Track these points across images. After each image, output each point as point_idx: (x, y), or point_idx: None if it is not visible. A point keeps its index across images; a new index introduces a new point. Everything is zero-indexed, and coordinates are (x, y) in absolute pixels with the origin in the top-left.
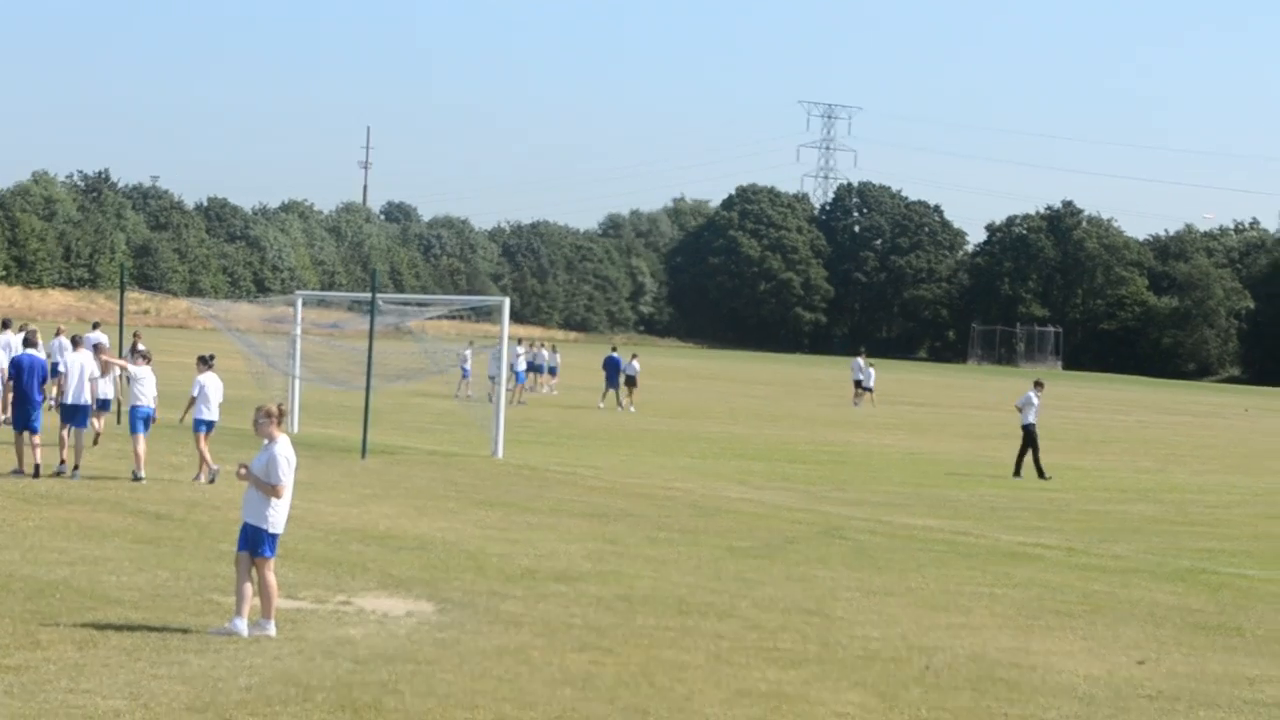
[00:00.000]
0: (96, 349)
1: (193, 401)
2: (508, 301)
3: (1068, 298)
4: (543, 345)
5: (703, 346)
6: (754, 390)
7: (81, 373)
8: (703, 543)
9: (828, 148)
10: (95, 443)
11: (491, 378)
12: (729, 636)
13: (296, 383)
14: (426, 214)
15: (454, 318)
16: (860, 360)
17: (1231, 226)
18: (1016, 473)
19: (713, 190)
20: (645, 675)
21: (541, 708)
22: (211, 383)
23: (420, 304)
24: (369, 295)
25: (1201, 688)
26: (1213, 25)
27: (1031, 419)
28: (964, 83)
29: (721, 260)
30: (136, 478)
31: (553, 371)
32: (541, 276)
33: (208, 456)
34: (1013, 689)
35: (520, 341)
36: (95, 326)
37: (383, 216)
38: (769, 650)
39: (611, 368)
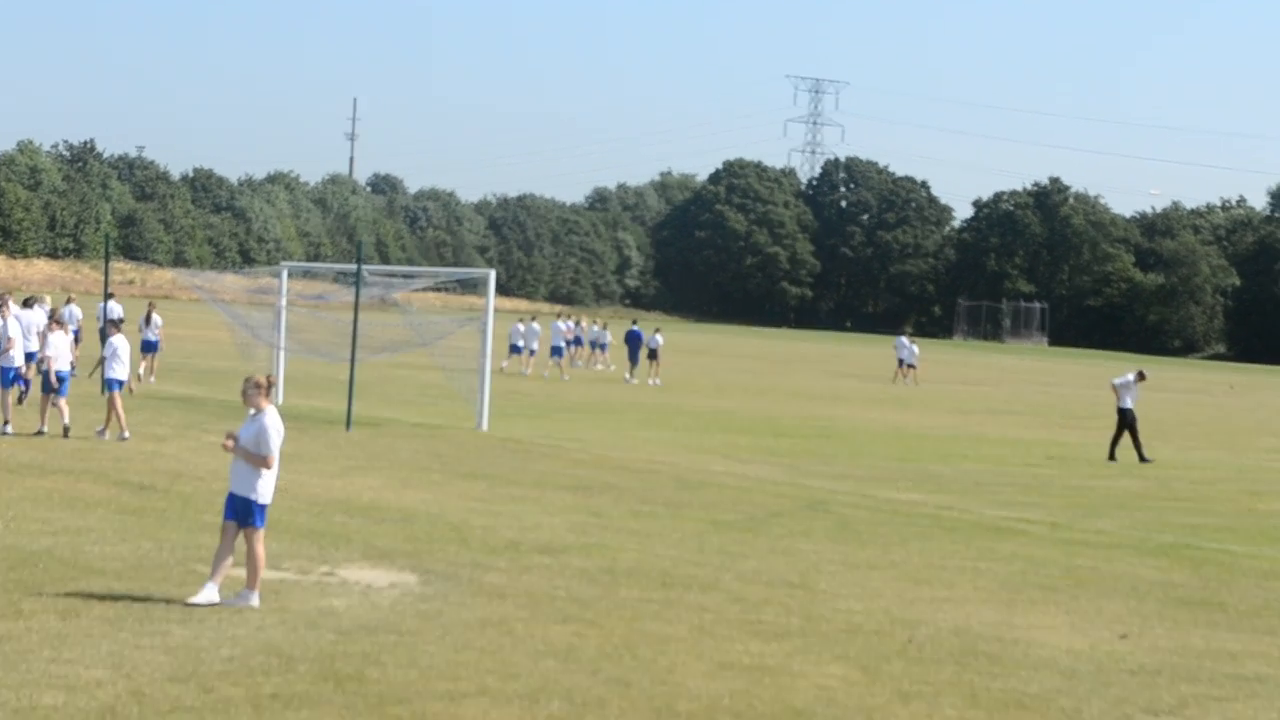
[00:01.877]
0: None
1: (102, 361)
2: (494, 274)
3: (1054, 274)
4: (594, 322)
5: (689, 320)
6: (740, 364)
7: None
8: (686, 516)
9: (815, 123)
10: (20, 401)
11: (556, 347)
12: (712, 609)
13: (281, 354)
14: (413, 186)
15: (439, 290)
16: (904, 339)
17: (1219, 204)
18: (1111, 456)
19: (700, 164)
20: (628, 647)
21: (524, 679)
22: (122, 344)
23: (406, 276)
24: (354, 267)
25: (1183, 662)
26: (1204, 2)
27: (1129, 403)
28: (952, 58)
29: (708, 234)
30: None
31: (603, 348)
32: (527, 249)
33: (121, 414)
34: (995, 662)
35: (560, 316)
36: (109, 298)
37: (369, 188)
38: (752, 623)
39: (634, 341)
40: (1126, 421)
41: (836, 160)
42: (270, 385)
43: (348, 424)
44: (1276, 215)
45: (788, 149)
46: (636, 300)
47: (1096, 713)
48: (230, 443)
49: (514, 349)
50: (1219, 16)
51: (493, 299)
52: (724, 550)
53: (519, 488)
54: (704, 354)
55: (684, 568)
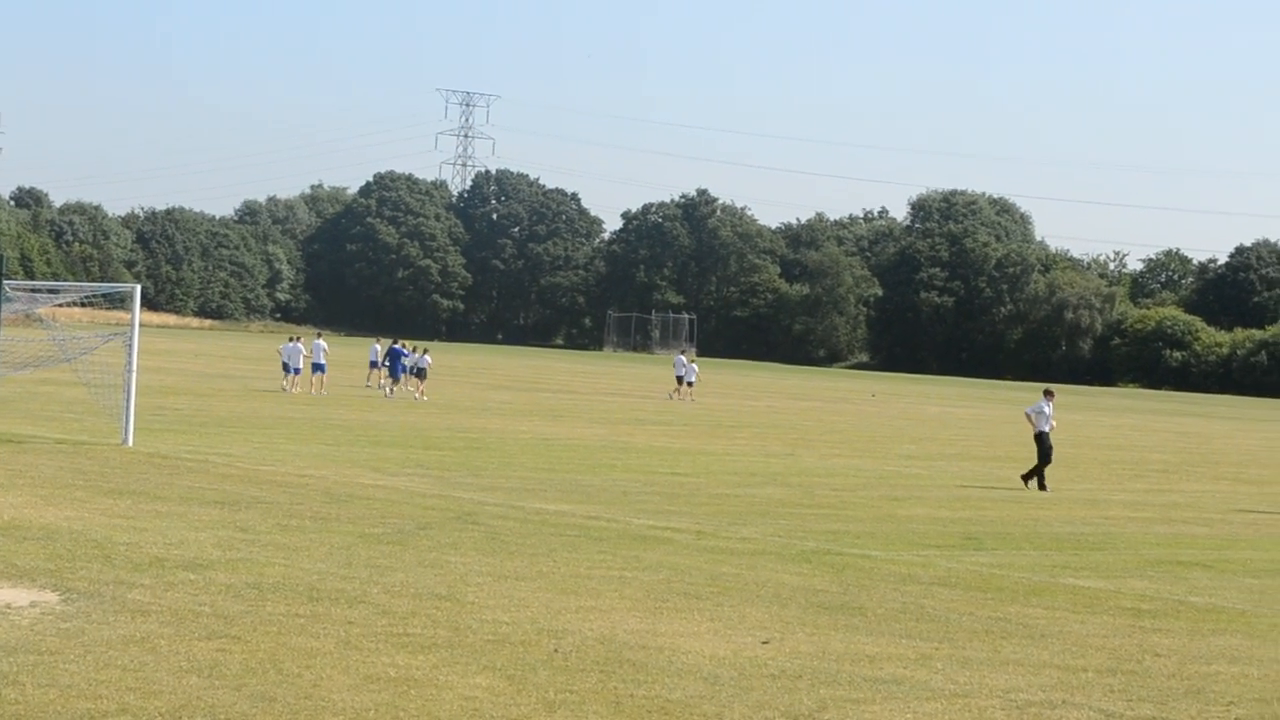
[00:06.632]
0: None
1: None
2: (139, 288)
3: (702, 285)
4: (413, 348)
5: (341, 334)
6: None
7: None
8: (334, 530)
9: (466, 135)
10: None
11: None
12: (359, 623)
13: None
14: (58, 199)
15: (86, 305)
16: (683, 358)
17: (862, 215)
18: (1042, 486)
19: (351, 177)
20: (273, 662)
21: (166, 696)
22: None
23: (50, 291)
24: None
25: (824, 666)
26: (849, 18)
27: (1045, 428)
28: (601, 71)
29: (359, 247)
30: None
31: (420, 374)
32: (176, 263)
33: None
34: (640, 670)
35: (396, 341)
36: None
37: (12, 202)
38: (399, 636)
39: (393, 357)
40: (1044, 447)
41: (487, 173)
42: None
43: None
44: (916, 226)
45: (439, 162)
46: (287, 314)
47: (738, 718)
48: None
49: (286, 368)
50: (862, 30)
51: (138, 313)
52: (372, 563)
53: (164, 503)
54: (356, 367)
55: (331, 581)
